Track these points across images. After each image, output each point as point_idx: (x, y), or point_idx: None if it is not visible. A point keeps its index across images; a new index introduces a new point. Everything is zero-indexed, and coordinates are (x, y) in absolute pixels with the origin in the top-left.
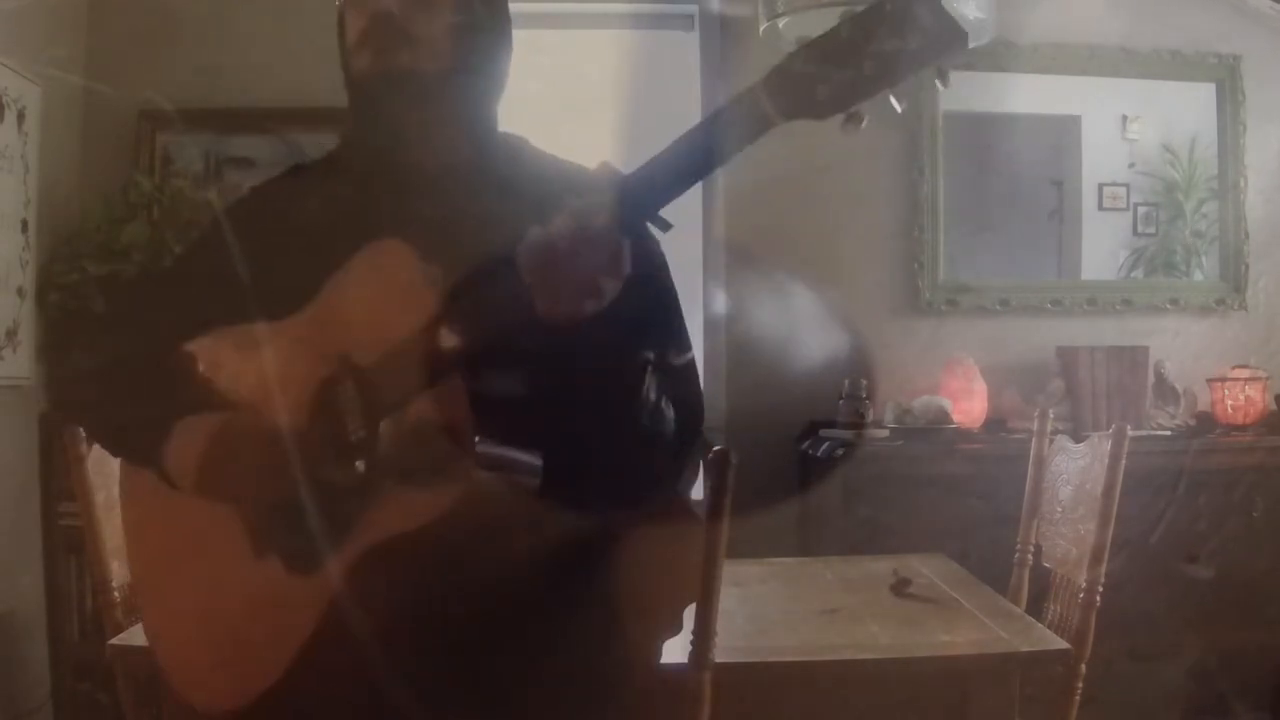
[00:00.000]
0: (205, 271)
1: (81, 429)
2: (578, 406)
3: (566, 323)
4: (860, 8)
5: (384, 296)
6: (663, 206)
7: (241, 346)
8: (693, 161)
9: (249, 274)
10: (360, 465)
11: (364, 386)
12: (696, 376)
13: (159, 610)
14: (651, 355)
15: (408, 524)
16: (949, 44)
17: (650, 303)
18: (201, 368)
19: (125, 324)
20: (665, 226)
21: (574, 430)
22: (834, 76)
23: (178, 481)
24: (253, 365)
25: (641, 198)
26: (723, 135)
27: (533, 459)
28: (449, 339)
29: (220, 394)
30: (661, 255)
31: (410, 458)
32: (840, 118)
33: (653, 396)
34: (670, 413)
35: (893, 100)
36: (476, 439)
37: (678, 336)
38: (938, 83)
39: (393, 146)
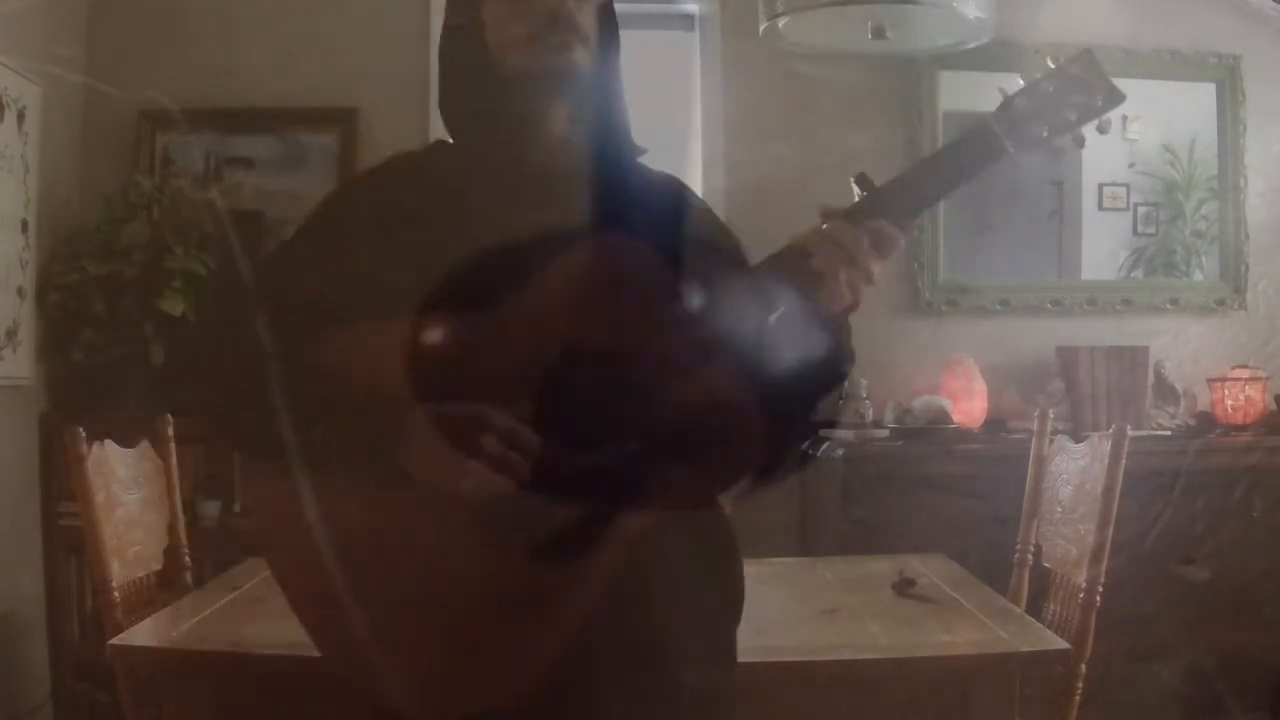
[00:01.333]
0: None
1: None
2: (814, 394)
3: (848, 310)
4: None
5: (623, 291)
6: (913, 216)
7: (447, 337)
8: (940, 179)
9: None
10: (633, 448)
11: (618, 379)
12: None
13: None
14: None
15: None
16: (1116, 100)
17: None
18: (410, 356)
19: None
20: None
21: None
22: (1050, 120)
23: (418, 474)
24: (472, 356)
25: (897, 204)
26: (964, 159)
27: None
28: (717, 333)
29: (424, 383)
30: None
31: (688, 451)
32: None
33: None
34: None
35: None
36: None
37: None
38: (1097, 129)
39: (545, 146)
